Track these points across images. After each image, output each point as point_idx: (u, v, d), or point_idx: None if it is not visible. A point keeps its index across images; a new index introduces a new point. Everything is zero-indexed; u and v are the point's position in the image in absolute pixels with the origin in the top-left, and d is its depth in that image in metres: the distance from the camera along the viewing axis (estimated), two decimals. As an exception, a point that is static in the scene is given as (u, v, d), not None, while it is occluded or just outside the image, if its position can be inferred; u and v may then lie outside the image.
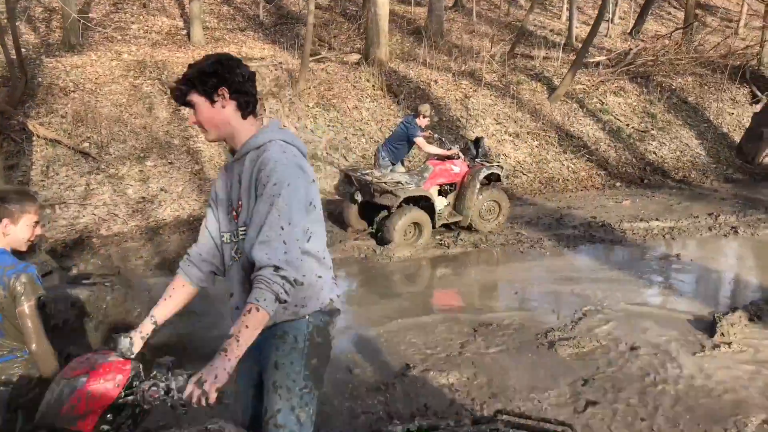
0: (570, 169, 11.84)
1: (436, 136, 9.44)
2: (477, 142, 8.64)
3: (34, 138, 9.97)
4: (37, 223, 2.58)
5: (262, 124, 2.18)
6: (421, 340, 5.10)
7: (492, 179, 8.52)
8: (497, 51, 15.22)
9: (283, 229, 1.89)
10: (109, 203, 9.01)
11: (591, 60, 15.36)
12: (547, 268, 7.19)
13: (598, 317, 5.67)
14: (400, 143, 8.63)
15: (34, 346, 2.49)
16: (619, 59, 15.81)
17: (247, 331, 1.77)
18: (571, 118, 13.24)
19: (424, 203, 7.94)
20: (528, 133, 12.43)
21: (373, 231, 8.14)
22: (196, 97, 2.02)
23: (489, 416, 2.62)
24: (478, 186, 8.18)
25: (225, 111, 2.05)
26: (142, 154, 10.35)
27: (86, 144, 10.21)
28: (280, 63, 14.08)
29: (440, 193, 8.44)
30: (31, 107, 10.67)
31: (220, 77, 2.01)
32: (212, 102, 2.03)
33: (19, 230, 2.52)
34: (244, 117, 2.10)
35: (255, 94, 2.11)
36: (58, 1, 16.18)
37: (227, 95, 2.03)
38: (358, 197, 8.05)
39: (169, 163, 10.28)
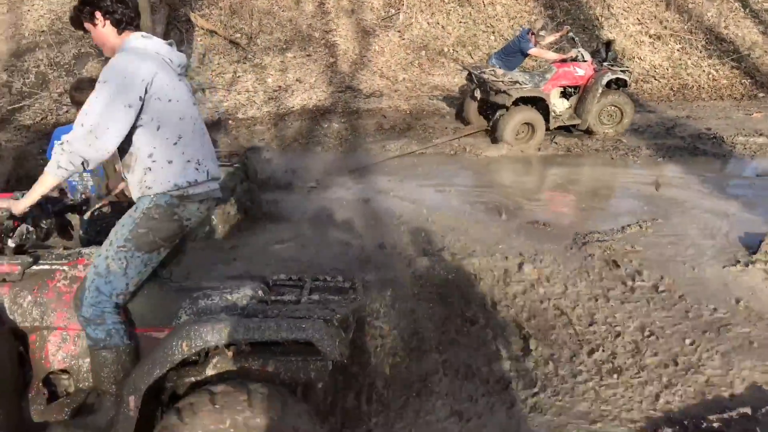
0: (711, 75, 11.15)
1: (570, 35, 9.36)
2: (608, 45, 8.62)
3: (195, 28, 11.40)
4: None
5: (135, 36, 2.62)
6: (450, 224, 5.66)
7: (619, 84, 8.49)
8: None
9: (85, 115, 2.42)
10: (251, 90, 10.26)
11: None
12: (626, 177, 7.30)
13: (649, 228, 5.86)
14: (512, 55, 8.82)
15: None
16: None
17: (36, 186, 2.45)
18: (728, 19, 12.21)
19: (540, 104, 8.17)
20: (671, 35, 11.75)
21: (489, 128, 8.53)
22: (86, 24, 2.61)
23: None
24: (599, 90, 8.22)
25: (104, 30, 2.59)
26: (285, 46, 11.43)
27: (238, 35, 11.48)
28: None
29: (563, 95, 8.61)
30: (196, 0, 12.07)
31: (92, 4, 2.56)
32: (94, 25, 2.60)
33: None
34: (119, 33, 2.60)
35: (129, 12, 2.58)
36: None
37: (102, 17, 2.57)
38: (477, 95, 8.48)
39: (307, 55, 11.27)
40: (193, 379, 2.45)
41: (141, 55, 2.49)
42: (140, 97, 2.43)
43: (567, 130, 8.70)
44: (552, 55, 8.73)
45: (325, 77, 10.70)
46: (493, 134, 8.32)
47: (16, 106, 9.07)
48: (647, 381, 3.68)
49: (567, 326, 4.21)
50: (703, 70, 11.24)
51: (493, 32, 11.94)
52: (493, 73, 8.36)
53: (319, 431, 2.35)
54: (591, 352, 3.94)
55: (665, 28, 11.91)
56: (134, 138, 2.50)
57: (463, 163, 7.66)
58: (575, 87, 8.51)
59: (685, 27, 11.91)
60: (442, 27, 12.01)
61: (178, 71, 2.66)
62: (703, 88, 10.86)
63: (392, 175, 7.04)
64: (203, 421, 2.14)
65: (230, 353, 2.43)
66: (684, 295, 4.58)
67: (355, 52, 11.47)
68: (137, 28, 2.63)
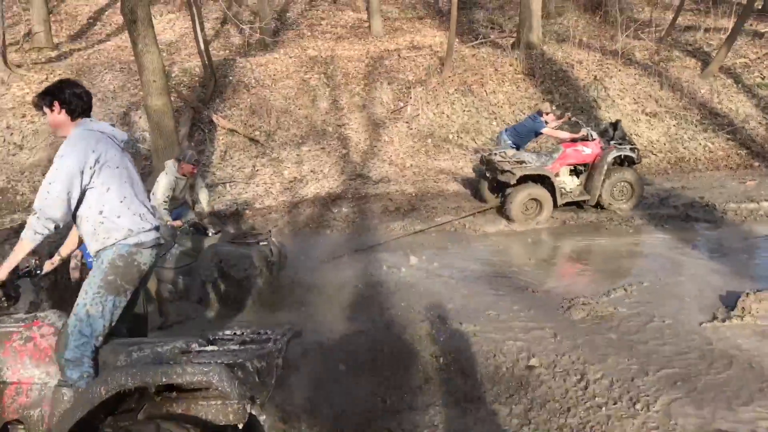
0: (706, 148, 11.60)
1: (573, 118, 9.90)
2: (615, 124, 9.06)
3: (217, 128, 12.33)
4: None
5: (85, 120, 3.24)
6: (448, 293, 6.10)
7: (628, 161, 8.88)
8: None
9: (50, 184, 2.91)
10: (268, 182, 10.98)
11: (764, 30, 14.43)
12: (617, 246, 7.66)
13: (634, 291, 6.16)
14: (525, 135, 9.39)
15: None
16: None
17: (13, 253, 2.98)
18: (720, 95, 12.78)
19: (547, 181, 8.57)
20: (667, 112, 12.32)
21: (500, 206, 8.91)
22: (45, 108, 3.20)
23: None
24: (605, 168, 8.61)
25: (59, 117, 3.19)
26: (300, 141, 12.26)
27: (257, 132, 12.37)
28: (436, 52, 15.27)
29: (573, 172, 9.05)
30: (218, 102, 13.11)
31: (52, 95, 3.16)
32: (51, 111, 3.18)
33: None
34: (72, 119, 3.20)
35: (82, 104, 3.19)
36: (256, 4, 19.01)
37: (59, 106, 3.17)
38: (488, 175, 9.04)
39: (321, 148, 12.06)
40: (126, 423, 2.78)
41: (91, 133, 3.11)
42: (91, 166, 3.02)
43: (578, 205, 9.04)
44: (564, 135, 9.19)
45: (337, 167, 11.40)
46: (503, 211, 8.73)
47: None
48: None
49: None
50: (699, 143, 11.70)
51: (495, 118, 12.66)
52: (503, 154, 8.89)
53: None
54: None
55: (660, 106, 12.50)
56: (89, 199, 3.07)
57: (462, 239, 8.11)
58: (584, 165, 8.92)
59: (680, 104, 12.49)
60: (447, 116, 12.78)
61: (121, 146, 3.27)
62: (700, 160, 11.29)
63: (393, 252, 7.53)
64: None
65: (157, 400, 2.77)
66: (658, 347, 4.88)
67: (366, 143, 12.23)
68: (88, 115, 3.25)
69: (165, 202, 6.58)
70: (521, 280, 6.59)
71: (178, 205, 7.03)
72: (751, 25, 14.87)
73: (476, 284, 6.46)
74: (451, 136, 12.29)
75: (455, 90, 13.36)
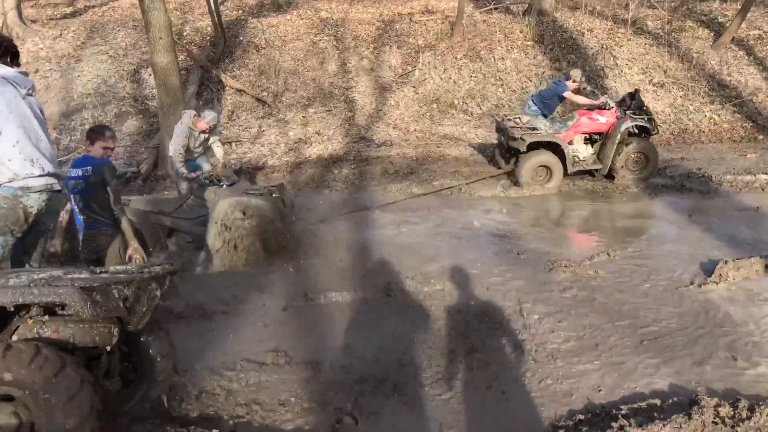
0: (712, 120, 11.56)
1: (588, 88, 9.85)
2: (633, 94, 8.94)
3: (226, 88, 12.48)
4: (107, 147, 4.38)
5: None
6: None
7: (644, 132, 8.79)
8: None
9: None
10: (273, 143, 11.15)
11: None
12: (609, 213, 7.79)
13: (617, 256, 6.32)
14: (549, 98, 9.37)
15: (118, 205, 4.33)
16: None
17: None
18: (731, 67, 12.67)
19: (558, 149, 8.57)
20: (674, 83, 12.26)
21: (512, 170, 8.97)
22: None
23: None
24: (618, 137, 8.57)
25: None
26: (307, 102, 12.38)
27: (265, 93, 12.50)
28: (448, 17, 15.20)
29: (588, 141, 9.03)
30: (228, 62, 13.22)
31: None
32: None
33: (95, 149, 4.35)
34: None
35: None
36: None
37: None
38: (501, 140, 9.11)
39: (328, 110, 12.17)
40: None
41: None
42: None
43: (590, 174, 9.04)
44: (583, 100, 9.10)
45: (342, 129, 11.53)
46: (514, 176, 8.83)
47: (63, 159, 10.15)
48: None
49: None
50: (705, 115, 11.66)
51: (502, 85, 12.67)
52: (516, 120, 8.95)
53: (91, 399, 2.77)
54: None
55: (668, 76, 12.43)
56: None
57: (450, 201, 8.28)
58: (599, 134, 8.88)
59: (688, 75, 12.41)
60: (454, 81, 12.81)
61: (24, 92, 3.46)
62: (704, 132, 11.27)
63: (389, 213, 7.74)
64: None
65: (29, 321, 2.90)
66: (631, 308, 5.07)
67: (372, 106, 12.33)
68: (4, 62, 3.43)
69: (180, 154, 6.98)
70: (508, 243, 6.76)
71: (194, 158, 7.43)
72: (768, -4, 14.65)
73: (464, 246, 6.64)
74: (456, 102, 12.35)
75: (463, 55, 13.35)
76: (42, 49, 12.89)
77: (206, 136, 7.43)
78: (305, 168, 9.96)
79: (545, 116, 9.31)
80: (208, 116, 7.26)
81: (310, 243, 6.71)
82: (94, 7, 16.42)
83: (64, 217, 5.73)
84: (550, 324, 4.85)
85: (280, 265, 6.07)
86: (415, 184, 8.89)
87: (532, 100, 9.56)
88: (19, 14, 13.54)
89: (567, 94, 9.12)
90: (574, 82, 9.14)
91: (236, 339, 4.70)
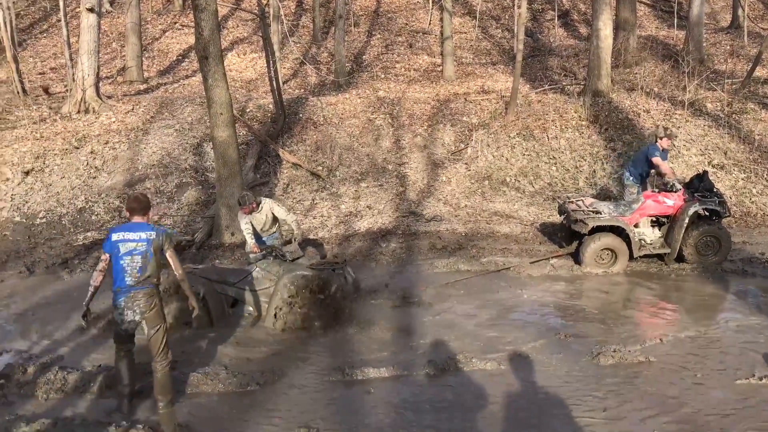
0: (775, 203, 11.14)
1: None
2: (701, 176, 8.69)
3: (282, 162, 12.87)
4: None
5: None
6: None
7: (715, 215, 8.50)
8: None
9: None
10: (325, 215, 11.34)
11: None
12: (665, 294, 7.52)
13: (670, 341, 6.06)
14: (640, 164, 9.25)
15: (180, 271, 4.64)
16: None
17: None
18: (797, 149, 12.29)
19: (624, 232, 8.37)
20: (735, 165, 11.94)
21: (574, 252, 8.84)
22: None
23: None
24: (686, 221, 8.31)
25: None
26: (360, 177, 12.62)
27: (320, 167, 12.82)
28: (503, 97, 15.44)
29: (655, 224, 8.82)
30: (286, 138, 13.69)
31: None
32: None
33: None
34: None
35: None
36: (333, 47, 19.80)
37: None
38: (564, 222, 8.99)
39: (380, 185, 12.35)
40: None
41: None
42: None
43: (660, 258, 8.73)
44: (666, 168, 8.85)
45: (393, 204, 11.63)
46: (576, 257, 8.65)
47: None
48: None
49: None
50: (768, 198, 11.26)
51: (555, 163, 12.63)
52: (579, 203, 8.82)
53: None
54: None
55: (728, 158, 12.14)
56: None
57: (504, 280, 8.15)
58: (666, 216, 8.67)
59: (750, 157, 12.09)
60: (506, 159, 12.85)
61: None
62: (767, 215, 10.85)
63: (438, 288, 7.71)
64: None
65: None
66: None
67: (424, 182, 12.46)
68: None
69: (249, 234, 7.59)
70: (554, 324, 6.58)
71: (270, 234, 8.06)
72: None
73: (508, 326, 6.51)
74: (508, 179, 12.35)
75: (517, 134, 13.43)
76: (114, 122, 13.68)
77: (259, 214, 7.76)
78: (354, 241, 10.04)
79: (637, 183, 9.24)
80: (244, 198, 7.64)
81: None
82: (166, 84, 17.43)
83: None
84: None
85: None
86: (463, 260, 8.83)
87: (626, 170, 9.48)
88: (97, 91, 14.49)
89: (655, 160, 8.84)
90: (661, 138, 9.00)
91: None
